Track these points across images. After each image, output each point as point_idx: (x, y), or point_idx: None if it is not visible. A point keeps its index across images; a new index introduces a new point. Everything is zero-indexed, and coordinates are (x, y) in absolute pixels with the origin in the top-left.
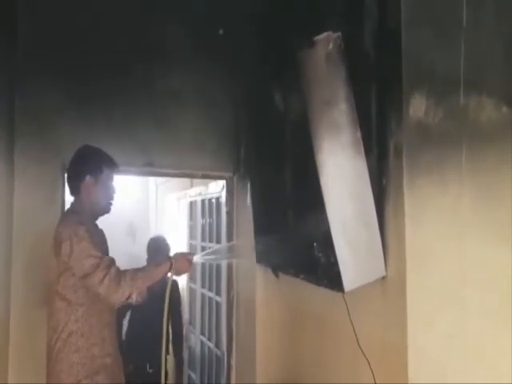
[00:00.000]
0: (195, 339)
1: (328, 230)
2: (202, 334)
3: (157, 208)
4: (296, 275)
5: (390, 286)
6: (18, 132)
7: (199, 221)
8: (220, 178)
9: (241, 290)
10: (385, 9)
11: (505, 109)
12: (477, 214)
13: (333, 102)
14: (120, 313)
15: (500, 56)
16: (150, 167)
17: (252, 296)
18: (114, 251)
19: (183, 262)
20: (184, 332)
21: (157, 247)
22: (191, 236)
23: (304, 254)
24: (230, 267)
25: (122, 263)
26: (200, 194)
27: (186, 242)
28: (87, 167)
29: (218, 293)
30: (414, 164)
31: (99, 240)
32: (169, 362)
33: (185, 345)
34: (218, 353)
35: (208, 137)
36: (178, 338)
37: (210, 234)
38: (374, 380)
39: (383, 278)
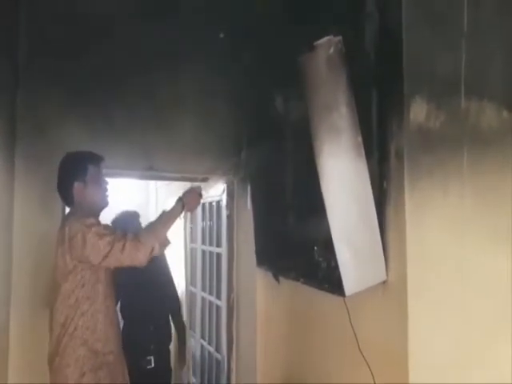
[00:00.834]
0: (195, 343)
1: (329, 234)
2: (203, 337)
3: (157, 212)
4: (296, 279)
5: (391, 290)
6: (19, 133)
7: (199, 224)
8: (220, 181)
9: (241, 294)
10: (385, 13)
11: (505, 113)
12: (478, 217)
13: (334, 105)
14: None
15: (501, 61)
16: (151, 171)
17: (252, 300)
18: None
19: (193, 197)
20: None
21: (126, 221)
22: (192, 239)
23: (305, 258)
24: (230, 271)
25: None
26: None
27: (187, 245)
28: (71, 174)
29: (219, 296)
30: (415, 167)
31: (108, 228)
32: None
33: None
34: (219, 357)
35: (208, 140)
36: (174, 301)
37: (211, 237)
38: None
39: (384, 282)
